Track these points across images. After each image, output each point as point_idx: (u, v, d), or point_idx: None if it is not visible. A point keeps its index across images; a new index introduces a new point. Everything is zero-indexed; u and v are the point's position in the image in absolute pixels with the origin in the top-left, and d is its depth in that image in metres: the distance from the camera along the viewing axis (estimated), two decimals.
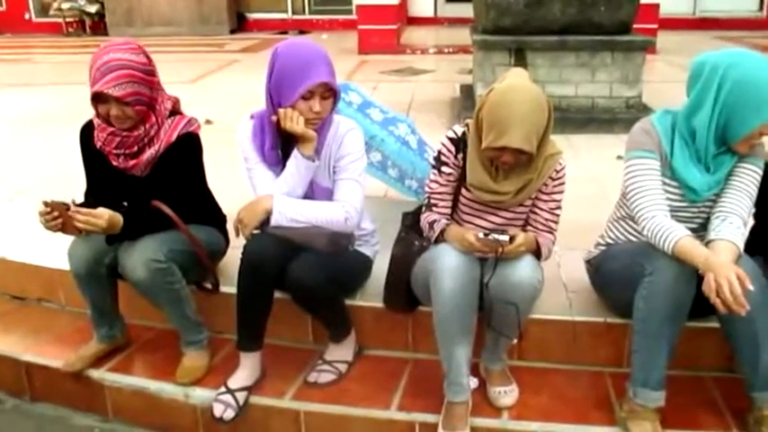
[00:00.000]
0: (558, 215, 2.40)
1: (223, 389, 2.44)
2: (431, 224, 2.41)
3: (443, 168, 2.39)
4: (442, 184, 2.41)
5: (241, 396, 2.43)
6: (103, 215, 2.32)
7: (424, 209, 2.48)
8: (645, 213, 2.24)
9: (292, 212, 2.39)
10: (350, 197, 2.45)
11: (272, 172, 2.48)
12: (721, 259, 2.06)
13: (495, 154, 2.19)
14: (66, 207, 2.30)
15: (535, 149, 2.17)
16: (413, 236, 2.53)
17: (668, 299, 2.14)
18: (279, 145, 2.45)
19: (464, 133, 2.35)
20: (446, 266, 2.22)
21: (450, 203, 2.44)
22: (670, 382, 2.25)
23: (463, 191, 2.40)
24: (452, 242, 2.29)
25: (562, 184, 2.37)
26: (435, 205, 2.44)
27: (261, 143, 2.47)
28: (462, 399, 2.28)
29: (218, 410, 2.39)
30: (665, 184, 2.30)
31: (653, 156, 2.29)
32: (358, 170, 2.48)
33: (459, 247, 2.25)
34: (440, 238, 2.36)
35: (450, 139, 2.38)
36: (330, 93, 2.38)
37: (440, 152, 2.40)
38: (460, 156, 2.35)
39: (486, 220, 2.41)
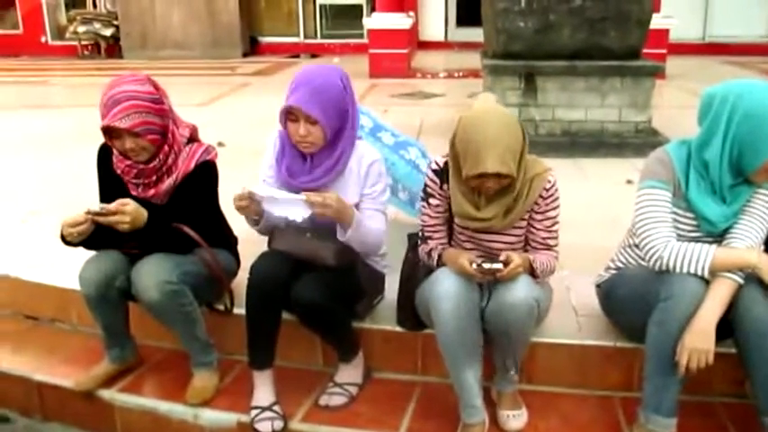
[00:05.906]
0: (555, 231, 2.38)
1: (256, 410, 2.42)
2: (428, 254, 2.43)
3: (431, 200, 2.41)
4: (432, 216, 2.42)
5: (278, 408, 2.44)
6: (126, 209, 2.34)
7: (419, 242, 2.49)
8: (656, 243, 2.23)
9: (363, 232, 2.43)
10: (376, 225, 2.50)
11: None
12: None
13: (477, 182, 2.20)
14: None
15: (515, 171, 2.17)
16: (417, 256, 2.54)
17: (684, 325, 2.13)
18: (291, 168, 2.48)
19: (446, 163, 2.35)
20: (444, 291, 2.23)
21: (444, 233, 2.45)
22: (680, 407, 2.23)
23: (456, 219, 2.39)
24: (450, 265, 2.30)
25: (555, 200, 2.34)
26: (430, 237, 2.45)
27: (279, 163, 2.50)
28: (477, 420, 2.29)
29: (265, 427, 2.38)
30: (680, 215, 2.29)
31: (665, 186, 2.28)
32: (382, 201, 2.55)
33: (456, 270, 2.25)
34: (440, 263, 2.37)
35: (434, 171, 2.39)
36: (314, 120, 2.33)
37: (426, 185, 2.41)
38: (446, 186, 2.35)
39: (483, 244, 2.39)
